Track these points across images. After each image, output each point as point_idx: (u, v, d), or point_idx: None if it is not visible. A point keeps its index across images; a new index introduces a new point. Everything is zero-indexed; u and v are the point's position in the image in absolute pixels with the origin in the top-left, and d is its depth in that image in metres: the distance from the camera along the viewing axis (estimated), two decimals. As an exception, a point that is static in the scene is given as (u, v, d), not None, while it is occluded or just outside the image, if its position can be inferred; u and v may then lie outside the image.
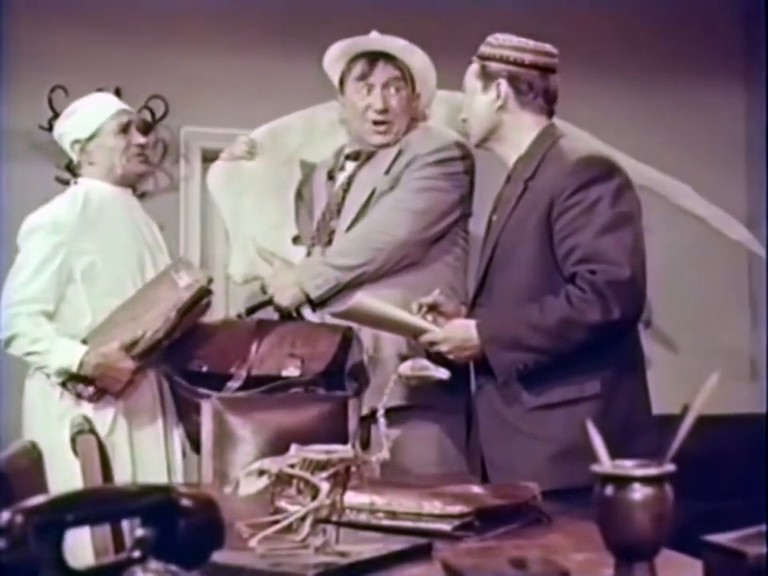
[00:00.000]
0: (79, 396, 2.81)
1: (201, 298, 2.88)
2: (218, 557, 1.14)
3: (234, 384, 2.78)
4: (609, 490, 1.15)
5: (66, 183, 3.90)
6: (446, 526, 1.67)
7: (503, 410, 2.36)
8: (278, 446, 1.77)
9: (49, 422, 2.82)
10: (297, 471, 1.47)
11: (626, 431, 2.19)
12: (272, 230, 3.16)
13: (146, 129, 3.14)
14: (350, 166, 3.03)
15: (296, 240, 3.13)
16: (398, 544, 1.56)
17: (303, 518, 1.45)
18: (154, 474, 2.84)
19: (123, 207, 3.02)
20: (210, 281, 2.91)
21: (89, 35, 4.09)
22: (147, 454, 2.89)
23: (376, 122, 2.92)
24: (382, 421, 1.75)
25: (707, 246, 4.68)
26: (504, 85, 2.43)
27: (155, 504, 1.09)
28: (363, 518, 1.73)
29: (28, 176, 3.89)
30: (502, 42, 2.46)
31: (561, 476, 2.14)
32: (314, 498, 1.46)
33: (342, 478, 1.50)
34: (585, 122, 3.33)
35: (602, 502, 1.15)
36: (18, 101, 3.96)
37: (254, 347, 2.83)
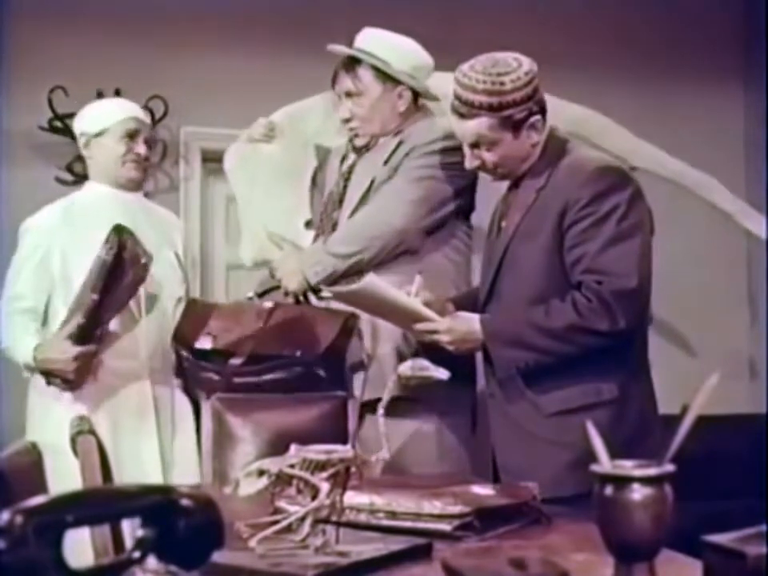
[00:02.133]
0: (50, 384, 2.87)
1: (114, 271, 2.75)
2: (218, 557, 1.14)
3: (236, 361, 2.80)
4: (608, 490, 1.15)
5: (66, 183, 3.92)
6: (445, 526, 1.67)
7: (519, 417, 2.34)
8: (277, 446, 1.77)
9: (34, 421, 2.92)
10: (296, 471, 1.47)
11: (640, 433, 2.20)
12: (284, 215, 3.18)
13: (153, 142, 3.20)
14: (353, 155, 3.05)
15: (308, 224, 3.15)
16: (398, 544, 1.56)
17: (303, 518, 1.45)
18: (140, 473, 2.83)
19: (117, 210, 3.03)
20: (117, 257, 2.75)
21: (89, 35, 4.09)
22: (133, 452, 2.88)
23: (350, 128, 2.99)
24: (381, 421, 1.75)
25: (707, 246, 4.69)
26: (539, 122, 2.36)
27: (155, 504, 1.09)
28: (363, 518, 1.73)
29: (28, 177, 3.89)
30: (514, 85, 2.30)
31: (582, 481, 2.13)
32: (313, 498, 1.46)
33: (342, 478, 1.50)
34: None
35: (601, 502, 1.15)
36: (18, 101, 3.96)
37: (259, 328, 2.85)
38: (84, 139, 3.06)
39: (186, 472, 2.94)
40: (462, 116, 2.35)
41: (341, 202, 2.98)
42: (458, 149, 2.80)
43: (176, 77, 4.15)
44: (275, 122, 3.26)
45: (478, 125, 2.34)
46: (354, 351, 2.84)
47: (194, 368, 2.87)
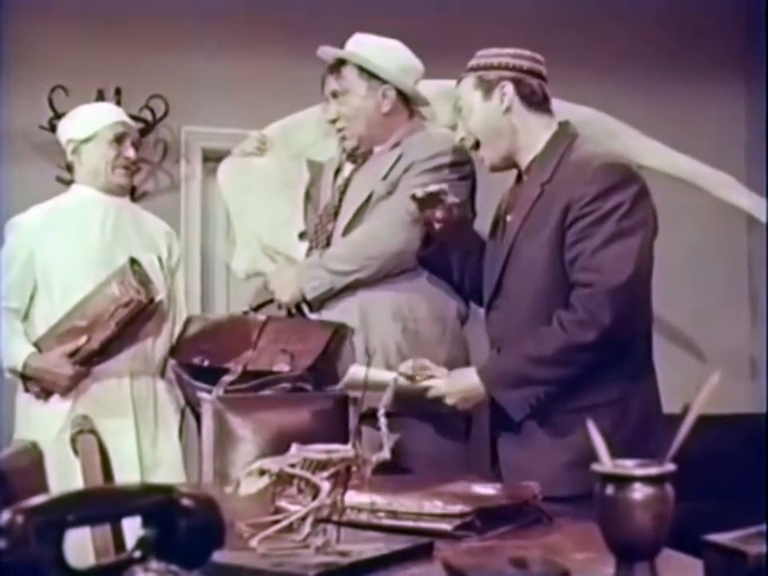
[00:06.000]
0: (27, 391, 2.96)
1: (142, 311, 2.94)
2: (219, 557, 1.14)
3: (228, 378, 2.80)
4: (609, 489, 1.15)
5: (67, 183, 3.92)
6: (446, 526, 1.67)
7: None
8: (278, 445, 1.77)
9: (19, 419, 3.00)
10: (297, 471, 1.47)
11: (643, 434, 2.19)
12: (278, 227, 3.19)
13: (140, 144, 3.27)
14: (349, 167, 3.04)
15: (302, 236, 3.15)
16: (399, 543, 1.55)
17: (304, 518, 1.45)
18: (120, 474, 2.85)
19: (104, 214, 3.07)
20: (151, 300, 2.95)
21: (89, 35, 4.09)
22: (111, 451, 2.91)
23: (338, 130, 2.99)
24: (382, 420, 1.75)
25: (708, 245, 4.69)
26: (509, 86, 2.38)
27: (156, 504, 1.09)
28: (364, 517, 1.72)
29: (28, 176, 3.89)
30: (496, 52, 2.41)
31: (579, 482, 2.12)
32: (314, 497, 1.46)
33: (343, 478, 1.50)
34: (585, 122, 3.32)
35: (602, 501, 1.15)
36: (18, 101, 3.96)
37: (252, 343, 2.85)
38: (72, 146, 3.10)
39: (170, 473, 2.97)
40: (459, 80, 2.47)
41: (336, 214, 2.98)
42: (456, 164, 2.81)
43: (176, 77, 4.15)
44: (267, 135, 3.28)
45: (464, 86, 2.44)
46: (346, 363, 2.84)
47: (189, 385, 2.87)
